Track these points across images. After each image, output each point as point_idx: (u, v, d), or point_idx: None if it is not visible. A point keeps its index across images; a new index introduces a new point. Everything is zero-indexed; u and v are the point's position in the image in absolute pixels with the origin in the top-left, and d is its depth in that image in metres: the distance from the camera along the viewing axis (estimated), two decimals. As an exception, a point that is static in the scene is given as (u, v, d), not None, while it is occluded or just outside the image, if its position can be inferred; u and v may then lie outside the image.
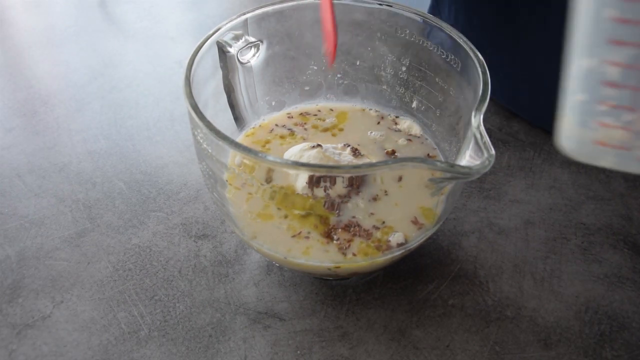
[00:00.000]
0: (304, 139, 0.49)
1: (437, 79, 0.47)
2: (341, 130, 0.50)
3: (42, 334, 0.43)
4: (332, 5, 0.43)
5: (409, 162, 0.34)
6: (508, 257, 0.48)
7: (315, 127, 0.51)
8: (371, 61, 0.51)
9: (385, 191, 0.43)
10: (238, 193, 0.43)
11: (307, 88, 0.53)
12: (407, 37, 0.47)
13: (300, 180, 0.41)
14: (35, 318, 0.44)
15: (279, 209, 0.42)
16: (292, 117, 0.52)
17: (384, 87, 0.52)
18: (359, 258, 0.40)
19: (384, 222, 0.42)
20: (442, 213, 0.42)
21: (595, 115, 0.28)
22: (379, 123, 0.51)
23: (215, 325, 0.43)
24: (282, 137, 0.49)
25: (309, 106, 0.53)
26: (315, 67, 0.52)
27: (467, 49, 0.42)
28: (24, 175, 0.55)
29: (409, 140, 0.49)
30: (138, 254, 0.48)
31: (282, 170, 0.41)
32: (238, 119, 0.50)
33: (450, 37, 0.43)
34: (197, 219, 0.51)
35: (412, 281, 0.46)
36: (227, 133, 0.35)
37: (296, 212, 0.42)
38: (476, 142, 0.35)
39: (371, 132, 0.50)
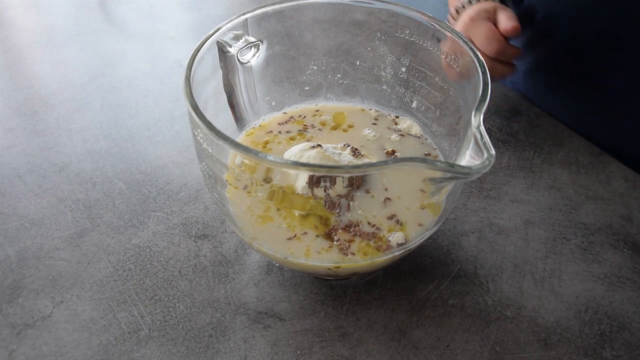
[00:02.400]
0: (309, 140, 0.49)
1: (437, 79, 0.47)
2: (348, 128, 0.50)
3: (42, 334, 0.43)
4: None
5: (408, 162, 0.34)
6: (508, 257, 0.48)
7: (323, 123, 0.51)
8: (371, 61, 0.51)
9: (385, 190, 0.43)
10: (238, 193, 0.43)
11: (307, 88, 0.53)
12: (407, 37, 0.47)
13: (300, 180, 0.41)
14: (35, 318, 0.44)
15: (278, 209, 0.42)
16: (294, 118, 0.52)
17: (384, 87, 0.51)
18: (359, 258, 0.40)
19: (384, 222, 0.42)
20: (442, 213, 0.42)
21: None
22: (374, 123, 0.51)
23: (215, 325, 0.43)
24: (291, 138, 0.49)
25: (309, 106, 0.53)
26: (315, 67, 0.52)
27: (467, 49, 0.42)
28: (24, 175, 0.55)
29: (402, 135, 0.49)
30: (138, 254, 0.48)
31: (282, 170, 0.41)
32: (238, 119, 0.50)
33: (451, 37, 0.43)
34: (197, 219, 0.51)
35: (412, 281, 0.46)
36: (227, 133, 0.35)
37: (296, 212, 0.42)
38: (476, 142, 0.35)
39: (367, 130, 0.50)
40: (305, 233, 0.41)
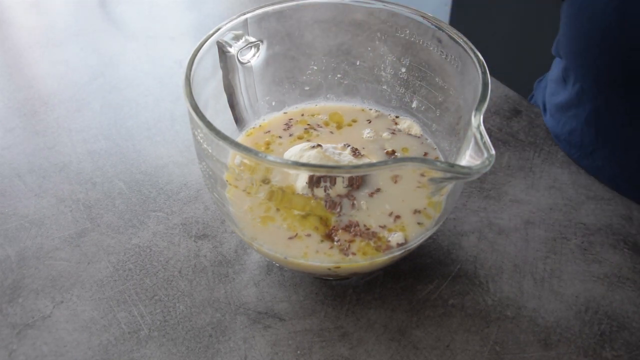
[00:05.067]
0: (309, 140, 0.49)
1: (437, 79, 0.47)
2: (349, 127, 0.50)
3: (42, 334, 0.43)
4: None
5: (408, 162, 0.34)
6: (508, 257, 0.48)
7: (326, 123, 0.51)
8: (371, 61, 0.51)
9: (385, 190, 0.43)
10: (238, 193, 0.43)
11: (307, 88, 0.53)
12: (407, 37, 0.47)
13: (300, 180, 0.41)
14: (35, 318, 0.44)
15: (278, 209, 0.42)
16: (296, 117, 0.52)
17: (384, 87, 0.51)
18: (359, 258, 0.40)
19: (384, 222, 0.42)
20: (442, 213, 0.42)
21: None
22: (374, 123, 0.51)
23: (215, 325, 0.43)
24: (299, 137, 0.49)
25: (309, 106, 0.53)
26: (315, 67, 0.52)
27: (467, 49, 0.42)
28: (24, 175, 0.55)
29: (393, 133, 0.49)
30: (138, 254, 0.48)
31: (282, 171, 0.41)
32: (238, 119, 0.50)
33: (450, 37, 0.43)
34: (197, 219, 0.51)
35: (412, 281, 0.46)
36: (227, 133, 0.35)
37: (296, 212, 0.42)
38: (476, 142, 0.35)
39: (367, 130, 0.50)
40: (309, 235, 0.41)
